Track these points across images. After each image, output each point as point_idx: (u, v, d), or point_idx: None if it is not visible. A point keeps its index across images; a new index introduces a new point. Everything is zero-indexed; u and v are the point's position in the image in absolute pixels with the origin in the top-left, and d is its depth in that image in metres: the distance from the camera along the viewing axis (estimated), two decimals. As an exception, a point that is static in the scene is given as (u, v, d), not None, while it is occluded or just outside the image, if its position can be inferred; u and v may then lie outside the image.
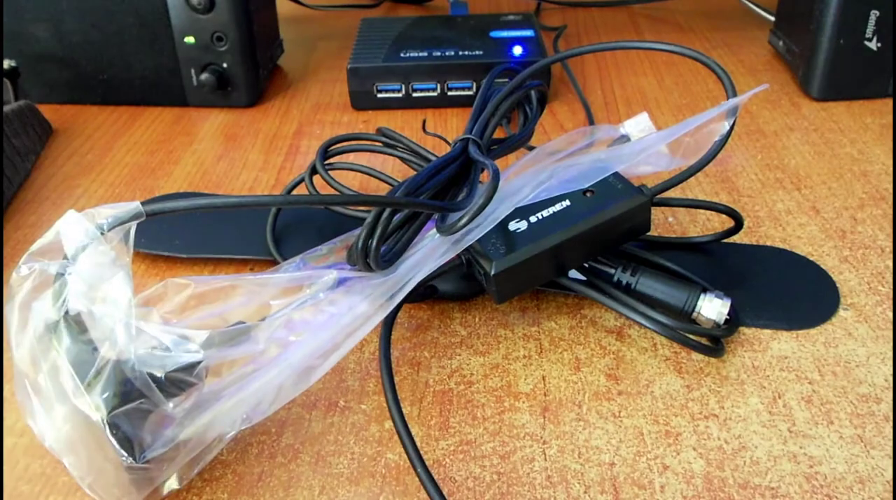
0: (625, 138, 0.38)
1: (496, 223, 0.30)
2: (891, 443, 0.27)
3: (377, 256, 0.28)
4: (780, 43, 0.56)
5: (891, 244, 0.37)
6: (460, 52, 0.53)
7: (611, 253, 0.32)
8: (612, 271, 0.32)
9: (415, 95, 0.53)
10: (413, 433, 0.26)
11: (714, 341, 0.31)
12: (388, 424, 0.29)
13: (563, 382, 0.30)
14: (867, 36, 0.48)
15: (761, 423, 0.28)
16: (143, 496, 0.25)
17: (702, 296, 0.31)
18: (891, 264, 0.36)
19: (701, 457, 0.27)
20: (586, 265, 0.32)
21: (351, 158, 0.39)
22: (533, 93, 0.40)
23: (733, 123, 0.32)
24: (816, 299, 0.34)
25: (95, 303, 0.23)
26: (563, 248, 0.30)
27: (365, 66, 0.52)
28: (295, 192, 0.39)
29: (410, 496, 0.26)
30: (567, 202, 0.31)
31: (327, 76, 0.60)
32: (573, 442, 0.28)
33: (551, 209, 0.31)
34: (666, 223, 0.39)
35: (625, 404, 0.29)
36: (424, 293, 0.33)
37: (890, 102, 0.51)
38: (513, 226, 0.31)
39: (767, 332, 0.32)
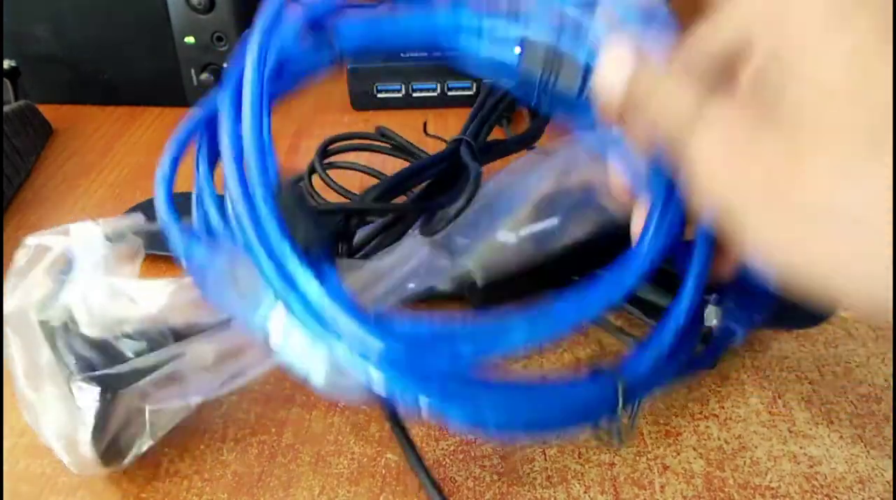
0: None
1: (491, 229, 0.30)
2: (891, 443, 0.27)
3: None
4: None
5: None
6: (461, 53, 0.53)
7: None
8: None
9: (415, 94, 0.53)
10: (413, 434, 0.26)
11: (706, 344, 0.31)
12: (388, 424, 0.29)
13: (563, 382, 0.30)
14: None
15: (761, 423, 0.28)
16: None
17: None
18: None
19: (701, 457, 0.27)
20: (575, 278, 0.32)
21: (351, 157, 0.39)
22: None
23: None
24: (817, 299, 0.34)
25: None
26: (554, 261, 0.30)
27: (365, 67, 0.52)
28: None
29: (410, 496, 0.26)
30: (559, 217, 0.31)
31: (327, 76, 0.59)
32: (573, 442, 0.28)
33: (542, 224, 0.31)
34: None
35: (625, 404, 0.29)
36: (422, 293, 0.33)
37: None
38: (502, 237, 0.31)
39: (767, 332, 0.32)
